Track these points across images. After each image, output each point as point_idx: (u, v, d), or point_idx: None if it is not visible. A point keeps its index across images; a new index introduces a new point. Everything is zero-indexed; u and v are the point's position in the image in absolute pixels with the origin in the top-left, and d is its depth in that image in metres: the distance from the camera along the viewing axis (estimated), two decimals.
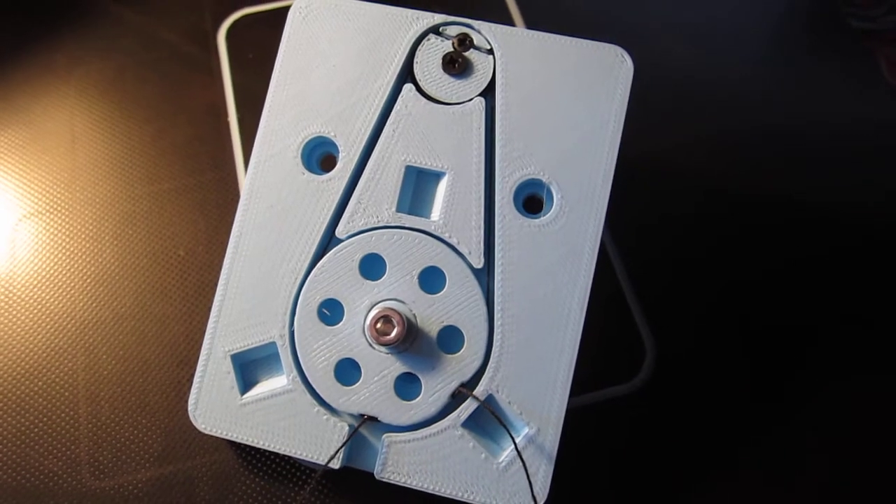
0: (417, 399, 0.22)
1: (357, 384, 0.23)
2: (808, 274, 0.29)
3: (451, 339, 0.23)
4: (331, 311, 0.23)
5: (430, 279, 0.23)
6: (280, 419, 0.23)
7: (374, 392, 0.22)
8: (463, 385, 0.22)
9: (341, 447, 0.22)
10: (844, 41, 0.35)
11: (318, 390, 0.23)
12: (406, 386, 0.23)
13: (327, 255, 0.23)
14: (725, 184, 0.31)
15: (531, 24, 0.34)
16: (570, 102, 0.23)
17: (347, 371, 0.23)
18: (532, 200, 0.24)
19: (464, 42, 0.23)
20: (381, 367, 0.22)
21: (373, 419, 0.23)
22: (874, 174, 0.32)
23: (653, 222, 0.30)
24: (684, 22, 0.35)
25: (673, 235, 0.30)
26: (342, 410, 0.23)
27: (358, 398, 0.22)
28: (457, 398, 0.23)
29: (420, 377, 0.22)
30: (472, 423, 0.23)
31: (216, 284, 0.24)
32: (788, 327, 0.28)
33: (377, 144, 0.23)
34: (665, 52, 0.34)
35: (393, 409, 0.22)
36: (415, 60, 0.24)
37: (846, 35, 0.35)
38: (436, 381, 0.22)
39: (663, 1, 0.36)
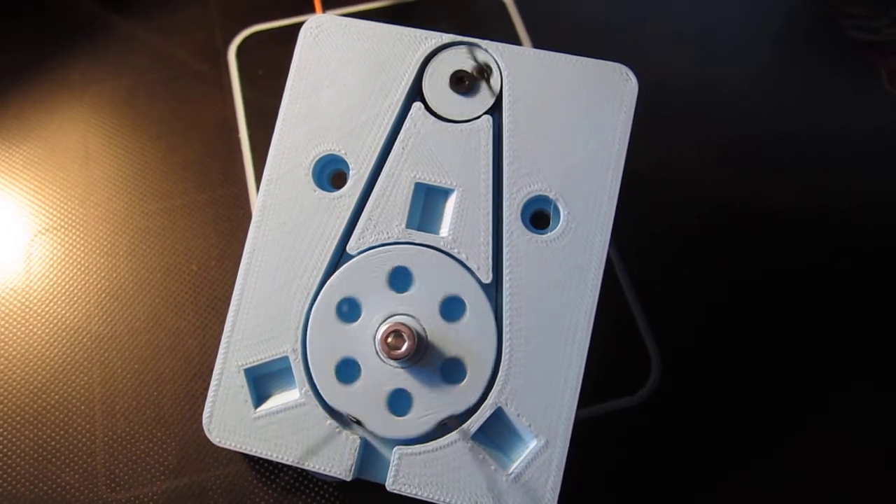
0: (406, 417, 0.23)
1: (353, 385, 0.23)
2: (814, 283, 0.30)
3: (453, 369, 0.23)
4: (349, 310, 0.23)
5: (451, 307, 0.23)
6: (293, 432, 0.23)
7: (366, 397, 0.23)
8: (454, 417, 0.23)
9: (353, 461, 0.23)
10: (843, 52, 0.36)
11: (315, 380, 0.23)
12: (400, 401, 0.23)
13: (358, 257, 0.23)
14: (729, 195, 0.32)
15: (538, 43, 0.34)
16: (577, 120, 0.24)
17: (348, 370, 0.23)
18: (539, 216, 0.24)
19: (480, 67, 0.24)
20: (380, 377, 0.23)
21: (357, 422, 0.23)
22: (876, 182, 0.32)
23: (657, 234, 0.31)
24: (685, 36, 0.36)
25: (677, 247, 0.30)
26: (332, 406, 0.23)
27: (349, 398, 0.23)
28: (443, 428, 0.23)
29: (414, 397, 0.23)
30: (481, 436, 0.23)
31: (229, 298, 0.24)
32: (796, 338, 0.29)
33: (387, 162, 0.24)
34: (666, 66, 0.35)
35: (379, 419, 0.23)
36: (423, 79, 0.24)
37: (844, 46, 0.36)
38: (427, 406, 0.23)
39: (665, 16, 0.36)
